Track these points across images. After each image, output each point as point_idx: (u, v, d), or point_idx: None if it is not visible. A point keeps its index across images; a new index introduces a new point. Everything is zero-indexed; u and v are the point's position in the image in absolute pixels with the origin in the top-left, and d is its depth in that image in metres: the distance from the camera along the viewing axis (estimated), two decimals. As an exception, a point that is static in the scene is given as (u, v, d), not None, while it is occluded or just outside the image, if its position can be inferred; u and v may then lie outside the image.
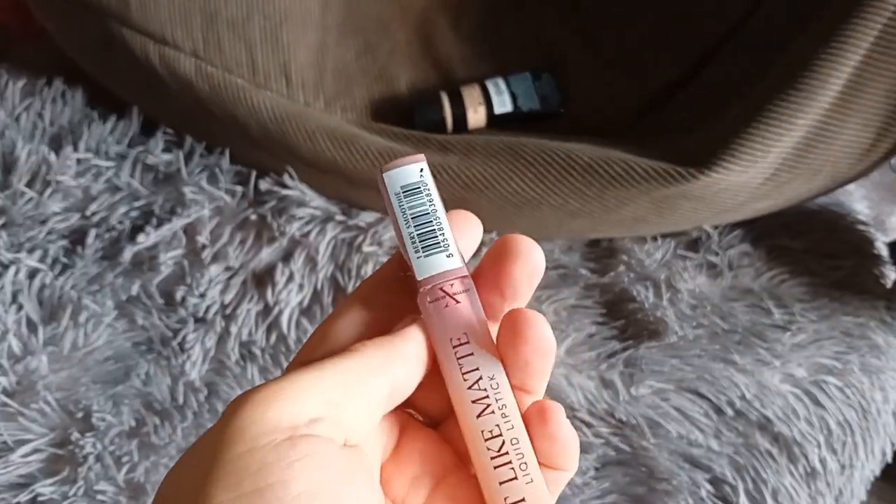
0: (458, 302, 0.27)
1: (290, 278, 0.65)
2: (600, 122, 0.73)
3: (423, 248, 0.26)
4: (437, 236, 0.27)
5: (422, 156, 0.27)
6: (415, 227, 0.27)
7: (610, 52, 0.75)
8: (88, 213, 0.67)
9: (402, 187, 0.27)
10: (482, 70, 0.76)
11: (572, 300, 0.67)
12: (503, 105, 0.71)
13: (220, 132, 0.71)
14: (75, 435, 0.58)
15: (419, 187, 0.27)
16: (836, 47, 0.56)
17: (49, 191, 0.68)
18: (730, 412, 0.63)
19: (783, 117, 0.58)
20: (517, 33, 0.78)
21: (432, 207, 0.27)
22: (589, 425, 0.62)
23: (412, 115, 0.72)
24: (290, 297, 0.64)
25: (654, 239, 0.70)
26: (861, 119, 0.59)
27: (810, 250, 0.71)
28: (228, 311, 0.64)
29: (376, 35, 0.75)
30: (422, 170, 0.27)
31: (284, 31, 0.70)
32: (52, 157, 0.69)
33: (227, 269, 0.66)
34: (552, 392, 0.62)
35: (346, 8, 0.74)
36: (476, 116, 0.71)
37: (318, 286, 0.65)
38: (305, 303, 0.65)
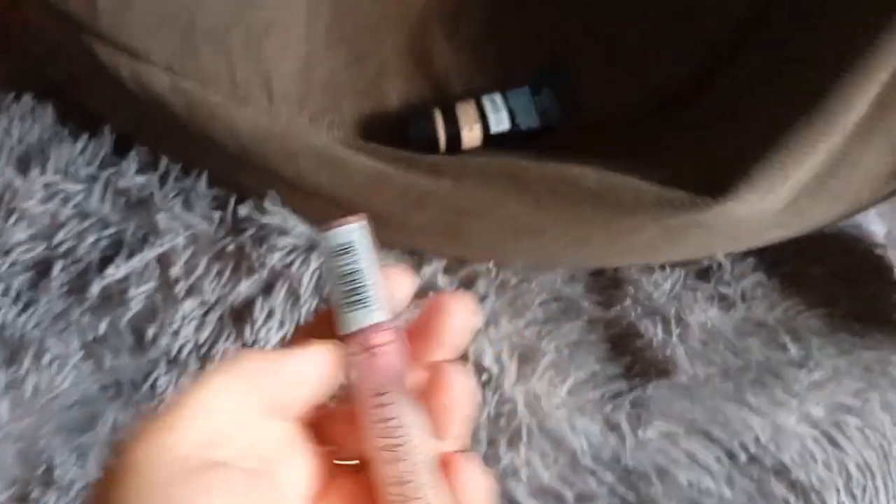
0: (379, 355, 0.28)
1: (271, 314, 0.60)
2: (604, 120, 0.68)
3: (347, 304, 0.28)
4: (362, 294, 0.28)
5: (362, 218, 0.29)
6: (341, 284, 0.28)
7: (613, 49, 0.71)
8: (55, 242, 0.62)
9: (333, 248, 0.28)
10: (480, 82, 0.71)
11: (575, 335, 0.62)
12: (500, 123, 0.66)
13: (197, 152, 0.66)
14: (36, 492, 0.53)
15: (350, 248, 0.28)
16: (861, 65, 0.52)
17: (14, 218, 0.63)
18: (743, 457, 0.59)
19: (804, 141, 0.53)
20: (518, 32, 0.73)
21: (360, 266, 0.28)
22: (593, 472, 0.58)
23: (404, 133, 0.67)
24: (269, 334, 0.60)
25: (663, 268, 0.65)
26: (886, 142, 0.55)
27: (827, 277, 0.66)
28: (204, 350, 0.60)
29: (367, 45, 0.70)
30: (357, 230, 0.28)
31: (267, 42, 0.65)
32: (18, 181, 0.65)
33: (203, 304, 0.61)
34: (552, 436, 0.58)
35: (334, 15, 0.69)
36: (471, 135, 0.66)
37: (301, 322, 0.60)
38: (287, 340, 0.60)
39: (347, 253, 0.28)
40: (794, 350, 0.63)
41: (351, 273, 0.28)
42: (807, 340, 0.63)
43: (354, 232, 0.28)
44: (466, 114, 0.66)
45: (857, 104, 0.52)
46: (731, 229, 0.58)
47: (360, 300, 0.28)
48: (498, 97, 0.67)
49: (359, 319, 0.28)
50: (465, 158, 0.62)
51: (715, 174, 0.55)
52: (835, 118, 0.53)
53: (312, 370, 0.27)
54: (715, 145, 0.58)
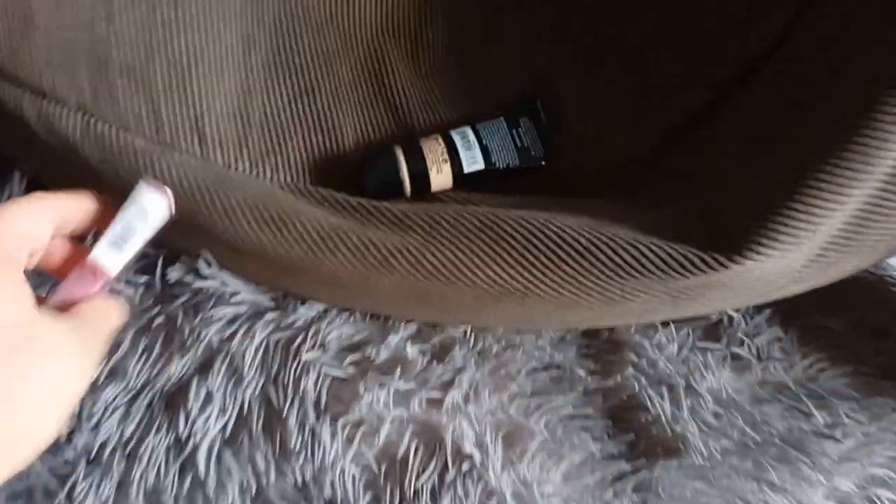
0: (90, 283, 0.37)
1: (209, 399, 0.51)
2: (593, 157, 0.59)
3: (112, 239, 0.38)
4: (123, 243, 0.38)
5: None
6: (121, 225, 0.38)
7: (602, 75, 0.61)
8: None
9: (137, 201, 0.39)
10: (447, 113, 0.62)
11: (568, 409, 0.54)
12: (473, 162, 0.57)
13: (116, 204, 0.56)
14: None
15: (146, 212, 0.39)
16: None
17: None
18: (768, 547, 0.51)
19: (833, 188, 0.45)
20: (491, 55, 0.64)
21: (142, 229, 0.39)
22: (595, 576, 0.49)
23: (362, 175, 0.58)
24: (208, 424, 0.50)
25: (666, 326, 0.56)
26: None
27: (851, 330, 0.58)
28: (130, 447, 0.50)
29: (315, 73, 0.60)
30: (165, 204, 0.40)
31: (196, 75, 0.55)
32: None
33: (127, 389, 0.51)
34: (547, 536, 0.49)
35: (275, 41, 0.59)
36: (440, 177, 0.57)
37: (245, 407, 0.51)
38: (228, 431, 0.51)
39: (143, 214, 0.39)
40: (818, 417, 0.55)
41: (133, 227, 0.39)
42: (833, 406, 0.55)
43: (160, 203, 0.40)
44: (433, 152, 0.57)
45: (893, 144, 0.44)
46: (747, 288, 0.50)
47: (119, 244, 0.38)
48: (469, 132, 0.58)
49: (106, 254, 0.37)
50: (435, 208, 0.52)
51: (729, 227, 0.47)
52: (871, 158, 0.44)
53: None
54: (728, 190, 0.49)
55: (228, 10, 0.56)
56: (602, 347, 0.56)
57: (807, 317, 0.58)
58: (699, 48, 0.58)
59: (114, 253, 0.38)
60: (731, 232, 0.47)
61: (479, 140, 0.58)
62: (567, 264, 0.48)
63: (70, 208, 0.37)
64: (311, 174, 0.58)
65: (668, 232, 0.49)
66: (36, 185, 0.60)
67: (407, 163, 0.57)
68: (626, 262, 0.48)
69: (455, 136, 0.58)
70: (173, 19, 0.54)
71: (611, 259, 0.48)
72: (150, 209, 0.39)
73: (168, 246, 0.56)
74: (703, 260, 0.46)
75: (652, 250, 0.47)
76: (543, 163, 0.59)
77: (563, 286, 0.49)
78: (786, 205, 0.45)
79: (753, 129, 0.50)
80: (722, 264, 0.46)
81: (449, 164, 0.57)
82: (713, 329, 0.57)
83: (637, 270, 0.48)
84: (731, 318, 0.57)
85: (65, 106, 0.53)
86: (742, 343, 0.56)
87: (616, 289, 0.49)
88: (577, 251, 0.48)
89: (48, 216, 0.36)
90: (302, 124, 0.59)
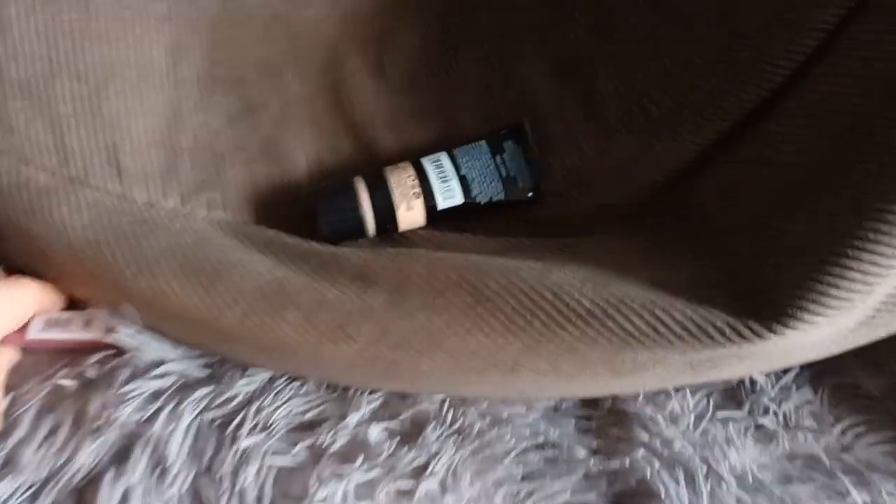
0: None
1: (126, 497, 0.41)
2: (593, 190, 0.50)
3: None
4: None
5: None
6: None
7: (595, 94, 0.52)
8: None
9: None
10: (418, 135, 0.52)
11: (566, 496, 0.45)
12: (449, 196, 0.48)
13: (15, 255, 0.46)
14: None
15: None
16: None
17: None
18: None
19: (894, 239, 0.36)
20: (470, 66, 0.54)
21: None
22: None
23: (314, 213, 0.48)
24: (125, 529, 0.41)
25: (679, 391, 0.48)
26: None
27: (890, 389, 0.50)
28: (25, 561, 0.40)
29: (259, 88, 0.50)
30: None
31: (110, 95, 0.45)
32: None
33: (27, 484, 0.41)
34: None
35: (210, 50, 0.49)
36: (410, 214, 0.48)
37: (171, 506, 0.41)
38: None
39: None
40: (856, 496, 0.46)
41: None
42: (871, 482, 0.47)
43: None
44: (402, 184, 0.48)
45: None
46: (782, 356, 0.41)
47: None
48: (445, 158, 0.49)
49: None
50: (405, 255, 0.43)
51: (767, 287, 0.38)
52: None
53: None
54: (763, 240, 0.40)
55: (151, 13, 0.46)
56: (605, 420, 0.47)
57: (840, 375, 0.50)
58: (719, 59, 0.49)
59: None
60: (769, 293, 0.38)
61: (457, 169, 0.48)
62: (567, 332, 0.39)
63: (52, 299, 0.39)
64: (254, 211, 0.49)
65: (688, 290, 0.40)
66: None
67: (371, 198, 0.47)
68: (639, 329, 0.39)
69: (428, 164, 0.48)
70: (82, 27, 0.44)
71: (620, 326, 0.39)
72: None
73: (75, 303, 0.46)
74: (734, 329, 0.38)
75: (672, 316, 0.38)
76: (531, 194, 0.49)
77: (561, 357, 0.40)
78: (838, 261, 0.36)
79: (792, 166, 0.41)
80: (758, 334, 0.37)
81: (421, 198, 0.48)
82: (734, 393, 0.49)
83: (652, 340, 0.39)
84: (753, 381, 0.49)
85: (-55, 132, 0.43)
86: (767, 410, 0.48)
87: (626, 360, 0.40)
88: (578, 316, 0.39)
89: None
90: (243, 150, 0.49)
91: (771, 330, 0.37)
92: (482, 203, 0.48)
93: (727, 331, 0.38)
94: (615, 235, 0.45)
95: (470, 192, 0.48)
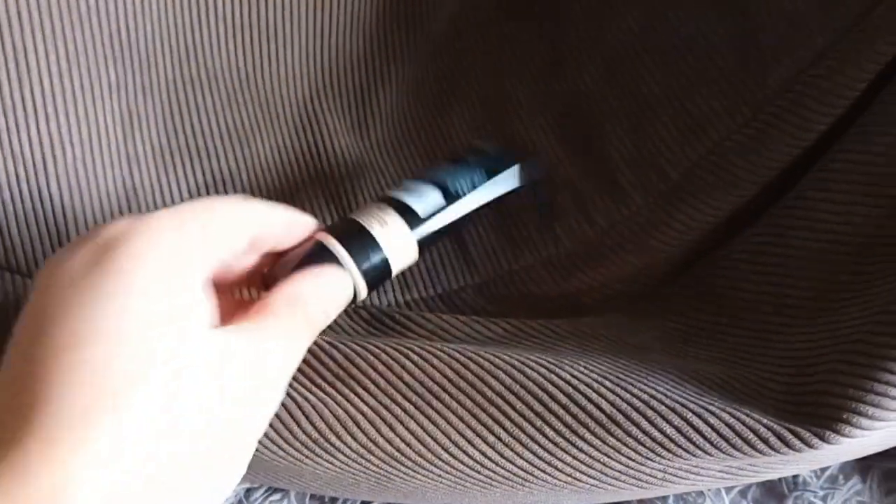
0: None
1: None
2: (602, 251, 0.44)
3: None
4: None
5: None
6: None
7: (596, 151, 0.47)
8: None
9: None
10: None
11: None
12: (419, 197, 0.40)
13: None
14: None
15: None
16: None
17: None
18: None
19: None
20: (466, 129, 0.49)
21: None
22: None
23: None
24: None
25: (712, 489, 0.42)
26: None
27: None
28: None
29: (227, 157, 0.45)
30: None
31: (54, 178, 0.40)
32: None
33: None
34: None
35: (170, 119, 0.44)
36: (386, 231, 0.39)
37: None
38: None
39: None
40: None
41: None
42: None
43: None
44: (366, 209, 0.40)
45: None
46: (834, 457, 0.36)
47: None
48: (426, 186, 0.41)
49: None
50: (394, 349, 0.37)
51: (820, 388, 0.32)
52: None
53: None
54: (811, 330, 0.34)
55: (100, 78, 0.41)
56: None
57: (892, 458, 0.44)
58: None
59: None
60: (822, 395, 0.32)
61: (441, 185, 0.41)
62: (584, 440, 0.34)
63: (276, 219, 0.31)
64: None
65: (723, 388, 0.34)
66: None
67: (343, 241, 0.39)
68: (668, 437, 0.33)
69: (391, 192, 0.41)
70: (17, 100, 0.39)
71: (646, 433, 0.33)
72: None
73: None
74: (780, 438, 0.32)
75: (706, 422, 0.33)
76: (519, 184, 0.42)
77: (578, 469, 0.35)
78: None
79: (840, 237, 0.35)
80: (808, 444, 0.32)
81: (391, 208, 0.39)
82: (773, 486, 0.43)
83: (684, 450, 0.33)
84: (795, 474, 0.43)
85: None
86: (812, 505, 0.42)
87: (655, 472, 0.34)
88: (597, 422, 0.34)
89: (251, 224, 0.29)
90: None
91: (824, 439, 0.32)
92: (463, 194, 0.40)
93: (772, 439, 0.32)
94: (632, 318, 0.40)
95: (446, 188, 0.40)
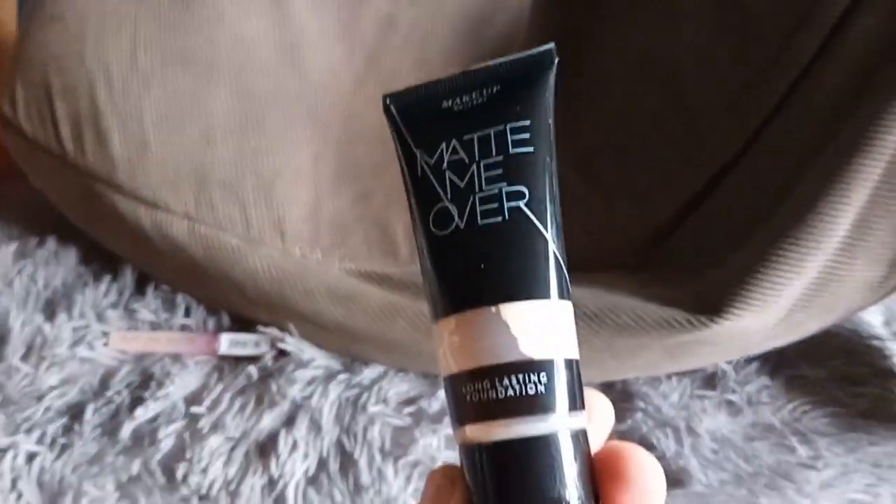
0: None
1: (295, 446, 0.63)
2: (600, 255, 0.71)
3: None
4: None
5: None
6: None
7: (608, 181, 0.74)
8: (86, 385, 0.65)
9: None
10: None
11: (588, 449, 0.64)
12: None
13: (217, 291, 0.70)
14: None
15: None
16: (842, 187, 0.55)
17: (45, 364, 0.66)
18: (762, 563, 0.60)
19: (792, 261, 0.56)
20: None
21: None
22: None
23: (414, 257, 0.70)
24: (295, 467, 0.62)
25: (669, 378, 0.68)
26: (872, 255, 0.58)
27: (830, 378, 0.69)
28: (232, 486, 0.62)
29: (370, 182, 0.74)
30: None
31: (278, 187, 0.69)
32: (47, 327, 0.68)
33: (228, 439, 0.63)
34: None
35: (338, 158, 0.73)
36: None
37: (324, 453, 0.63)
38: (311, 472, 0.62)
39: None
40: (802, 451, 0.65)
41: None
42: (814, 441, 0.65)
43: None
44: None
45: (840, 222, 0.55)
46: (731, 344, 0.61)
47: None
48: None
49: None
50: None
51: (711, 295, 0.58)
52: (821, 237, 0.55)
53: None
54: (708, 267, 0.61)
55: (302, 136, 0.70)
56: (616, 397, 0.67)
57: (791, 367, 0.69)
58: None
59: None
60: (711, 298, 0.58)
61: None
62: (579, 325, 0.60)
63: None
64: (370, 261, 0.71)
65: (662, 299, 0.60)
66: (144, 276, 0.74)
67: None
68: (628, 324, 0.59)
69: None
70: (260, 146, 0.68)
71: (616, 322, 0.59)
72: None
73: (257, 322, 0.68)
74: (689, 321, 0.58)
75: (650, 313, 0.59)
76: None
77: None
78: (754, 276, 0.57)
79: (726, 222, 0.62)
80: (704, 324, 0.58)
81: None
82: (709, 379, 0.68)
83: (638, 331, 0.59)
84: (724, 370, 0.68)
85: (174, 215, 0.67)
86: (734, 391, 0.67)
87: (622, 347, 0.60)
88: (588, 316, 0.60)
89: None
90: (362, 222, 0.72)
91: (712, 320, 0.57)
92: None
93: (685, 322, 0.58)
94: (605, 275, 0.66)
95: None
